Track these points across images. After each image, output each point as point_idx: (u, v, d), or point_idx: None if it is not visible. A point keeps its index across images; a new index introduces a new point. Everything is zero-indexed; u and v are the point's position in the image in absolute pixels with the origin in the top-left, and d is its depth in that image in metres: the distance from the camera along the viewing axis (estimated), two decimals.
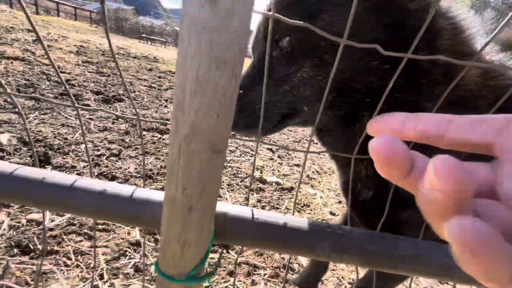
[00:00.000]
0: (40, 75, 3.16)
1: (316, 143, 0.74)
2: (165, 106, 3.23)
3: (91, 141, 1.96)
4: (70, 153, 1.73)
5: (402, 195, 0.48)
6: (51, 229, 1.04)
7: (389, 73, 0.45)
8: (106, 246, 1.02)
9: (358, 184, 0.56)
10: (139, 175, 1.67)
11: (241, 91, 0.53)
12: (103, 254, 0.97)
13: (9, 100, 2.30)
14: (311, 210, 1.73)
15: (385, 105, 0.44)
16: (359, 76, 0.47)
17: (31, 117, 2.11)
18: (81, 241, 1.02)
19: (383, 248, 0.38)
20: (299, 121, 0.56)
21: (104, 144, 1.95)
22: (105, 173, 1.59)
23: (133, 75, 4.46)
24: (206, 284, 0.35)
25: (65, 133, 1.96)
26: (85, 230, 1.08)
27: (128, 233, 1.12)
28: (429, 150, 0.20)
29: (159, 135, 2.34)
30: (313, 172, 2.37)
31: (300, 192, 1.91)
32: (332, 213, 1.75)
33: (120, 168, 1.70)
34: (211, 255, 1.14)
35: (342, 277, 1.11)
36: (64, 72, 3.63)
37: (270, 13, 0.28)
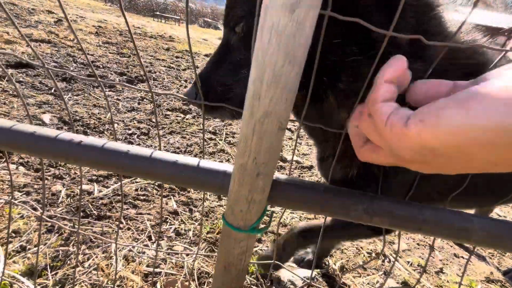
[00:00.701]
0: (67, 57, 3.30)
1: None
2: (185, 87, 3.31)
3: (122, 121, 2.09)
4: (105, 132, 1.88)
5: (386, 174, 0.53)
6: (101, 198, 1.19)
7: (342, 48, 0.45)
8: (149, 214, 1.16)
9: (339, 162, 0.58)
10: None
11: (206, 76, 0.56)
12: (148, 220, 1.11)
13: (44, 81, 2.46)
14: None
15: (346, 80, 0.47)
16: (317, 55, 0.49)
17: (66, 98, 2.26)
18: (127, 208, 1.17)
19: (409, 213, 0.45)
20: None
21: (134, 123, 2.08)
22: None
23: (151, 56, 4.53)
24: (259, 235, 0.44)
25: (98, 113, 2.11)
26: (130, 200, 1.22)
27: (166, 203, 1.25)
28: None
29: (182, 115, 2.45)
30: None
31: None
32: None
33: (151, 146, 1.83)
34: None
35: (361, 247, 1.21)
36: (88, 54, 3.76)
37: (326, 11, 0.32)
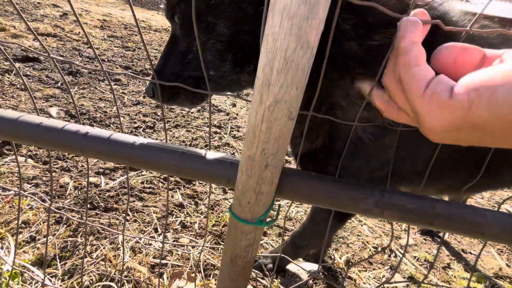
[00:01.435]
0: (72, 51, 3.31)
1: None
2: None
3: (127, 114, 2.10)
4: (111, 125, 1.89)
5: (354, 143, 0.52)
6: (108, 190, 1.20)
7: None
8: (155, 206, 1.17)
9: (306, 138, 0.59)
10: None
11: (159, 69, 0.58)
12: (154, 213, 1.12)
13: (50, 75, 2.48)
14: None
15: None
16: (247, 28, 0.47)
17: (72, 92, 2.27)
18: (134, 201, 1.18)
19: (421, 207, 0.44)
20: (219, 86, 0.57)
21: (140, 117, 2.09)
22: None
23: (156, 49, 4.51)
24: (266, 228, 0.43)
25: (104, 106, 2.12)
26: (136, 192, 1.23)
27: (172, 196, 1.26)
28: None
29: (187, 109, 2.44)
30: None
31: None
32: None
33: (157, 139, 1.84)
34: None
35: (367, 242, 1.20)
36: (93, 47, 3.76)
37: None
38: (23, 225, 0.87)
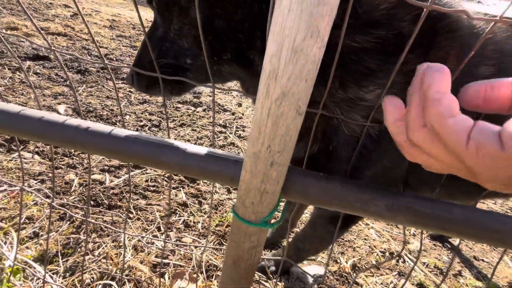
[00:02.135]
0: (82, 50, 3.36)
1: None
2: None
3: (134, 113, 2.11)
4: (118, 123, 1.90)
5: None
6: (112, 188, 1.20)
7: (245, 2, 0.42)
8: (158, 205, 1.16)
9: (301, 140, 0.57)
10: None
11: (138, 56, 0.56)
12: (157, 211, 1.11)
13: (60, 73, 2.51)
14: None
15: (260, 40, 0.44)
16: (221, 12, 0.44)
17: (80, 90, 2.30)
18: (137, 199, 1.17)
19: (437, 211, 0.41)
20: (199, 76, 0.55)
21: (146, 115, 2.09)
22: None
23: None
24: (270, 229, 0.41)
25: (111, 104, 2.13)
26: (140, 190, 1.22)
27: (176, 195, 1.25)
28: None
29: (193, 108, 2.44)
30: None
31: None
32: None
33: (162, 138, 1.84)
34: None
35: (374, 246, 1.16)
36: (102, 47, 3.81)
37: None
38: (27, 220, 0.87)
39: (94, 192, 1.14)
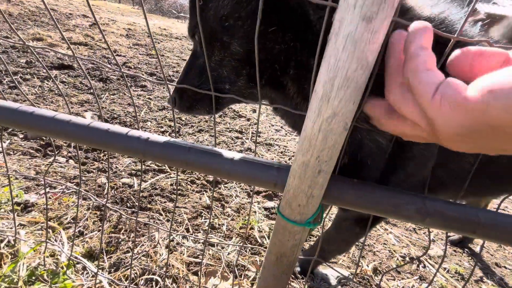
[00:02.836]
0: (102, 59, 3.52)
1: None
2: None
3: (154, 119, 2.21)
4: (140, 130, 1.99)
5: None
6: (141, 191, 1.27)
7: (282, 37, 0.49)
8: (185, 207, 1.23)
9: None
10: None
11: (179, 83, 0.63)
12: (184, 213, 1.17)
13: (84, 82, 2.65)
14: None
15: (293, 69, 0.52)
16: (261, 47, 0.51)
17: (103, 97, 2.42)
18: (165, 202, 1.24)
19: (464, 215, 0.45)
20: (235, 98, 0.61)
21: (165, 121, 2.18)
22: None
23: (178, 56, 4.69)
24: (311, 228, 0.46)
25: (133, 111, 2.24)
26: (166, 194, 1.29)
27: (200, 198, 1.31)
28: None
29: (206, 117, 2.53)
30: None
31: None
32: None
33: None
34: None
35: (394, 251, 1.19)
36: (120, 55, 3.98)
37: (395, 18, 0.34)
38: (72, 220, 0.95)
39: (125, 195, 1.22)
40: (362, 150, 0.59)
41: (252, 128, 2.38)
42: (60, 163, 1.41)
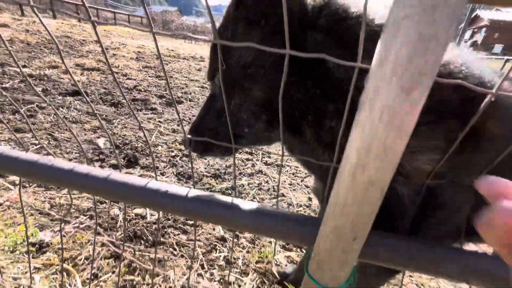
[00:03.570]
0: (114, 84, 3.64)
1: None
2: None
3: (165, 143, 2.22)
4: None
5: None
6: (154, 223, 1.25)
7: (303, 86, 0.51)
8: (198, 240, 1.19)
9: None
10: (209, 174, 1.85)
11: (196, 124, 0.64)
12: (199, 247, 1.14)
13: (96, 108, 2.73)
14: None
15: (311, 115, 0.52)
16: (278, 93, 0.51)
17: (115, 123, 2.47)
18: (178, 234, 1.21)
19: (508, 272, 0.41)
20: (251, 141, 0.63)
21: (176, 145, 2.20)
22: (182, 173, 1.81)
23: (186, 77, 4.81)
24: None
25: (144, 136, 2.26)
26: (179, 225, 1.27)
27: (213, 229, 1.28)
28: None
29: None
30: None
31: None
32: None
33: (194, 167, 1.91)
34: None
35: (422, 284, 1.11)
36: (130, 79, 4.11)
37: None
38: (85, 261, 0.94)
39: (138, 228, 1.20)
40: (391, 201, 0.57)
41: (261, 149, 2.36)
42: (74, 194, 1.41)
